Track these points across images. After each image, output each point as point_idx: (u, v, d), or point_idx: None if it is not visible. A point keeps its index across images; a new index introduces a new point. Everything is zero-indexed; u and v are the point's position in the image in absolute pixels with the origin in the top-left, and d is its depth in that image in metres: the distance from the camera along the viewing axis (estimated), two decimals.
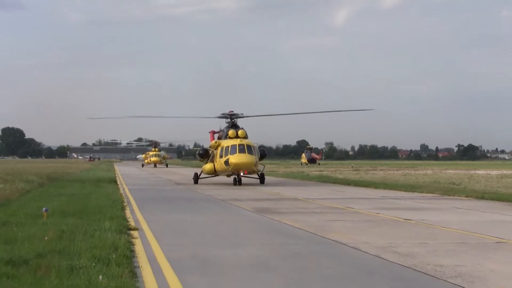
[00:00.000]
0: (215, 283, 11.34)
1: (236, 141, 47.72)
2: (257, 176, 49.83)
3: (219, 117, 54.34)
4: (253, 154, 47.35)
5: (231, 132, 49.16)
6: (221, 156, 47.81)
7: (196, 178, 51.84)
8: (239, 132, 49.28)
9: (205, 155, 52.96)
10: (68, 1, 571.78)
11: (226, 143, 48.42)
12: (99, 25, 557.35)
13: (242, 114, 53.63)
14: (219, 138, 52.51)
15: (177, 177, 67.43)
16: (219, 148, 48.87)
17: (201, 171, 52.11)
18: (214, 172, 50.32)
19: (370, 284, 11.41)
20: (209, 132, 56.75)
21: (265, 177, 50.23)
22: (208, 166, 50.73)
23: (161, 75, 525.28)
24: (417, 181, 50.03)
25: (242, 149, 46.85)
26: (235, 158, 46.31)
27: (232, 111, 53.08)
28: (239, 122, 52.87)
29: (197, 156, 58.56)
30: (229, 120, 52.74)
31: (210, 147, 52.70)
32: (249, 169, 47.93)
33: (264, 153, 53.38)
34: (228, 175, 49.73)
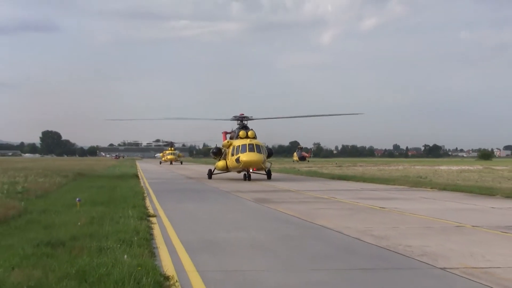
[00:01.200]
0: (220, 261, 11.36)
1: (246, 141, 45.58)
2: (264, 172, 47.54)
3: (231, 120, 51.78)
4: (261, 153, 45.12)
5: (241, 132, 47.06)
6: (232, 154, 45.63)
7: (210, 174, 49.52)
8: (249, 133, 47.02)
9: (218, 153, 50.49)
10: (96, 24, 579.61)
11: (237, 142, 46.26)
12: (124, 44, 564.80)
13: (251, 116, 51.07)
14: (231, 138, 50.12)
15: (190, 172, 67.38)
16: (231, 147, 46.62)
17: (215, 168, 49.76)
18: (226, 169, 47.98)
19: (351, 261, 11.42)
20: (222, 133, 54.78)
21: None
22: (221, 163, 48.58)
23: (176, 85, 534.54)
24: (390, 175, 50.03)
25: (251, 148, 44.65)
26: (245, 156, 44.19)
27: (243, 114, 50.91)
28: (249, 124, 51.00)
29: (211, 154, 55.31)
30: (240, 122, 50.32)
31: (222, 146, 49.95)
32: (258, 166, 45.56)
33: (271, 151, 51.23)
34: (239, 171, 47.46)
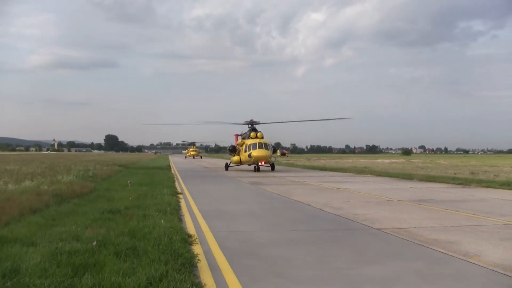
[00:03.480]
0: (226, 224, 11.40)
1: (256, 140, 40.24)
2: (269, 165, 42.22)
3: (243, 123, 45.64)
4: (268, 150, 39.87)
5: (252, 134, 41.53)
6: (245, 151, 40.50)
7: (227, 166, 44.65)
8: (258, 134, 41.55)
9: (233, 150, 44.29)
10: (144, 62, 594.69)
11: (249, 141, 40.86)
12: (162, 76, 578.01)
13: (259, 121, 45.07)
14: (243, 138, 44.00)
15: (206, 164, 67.25)
16: (244, 145, 41.29)
17: (230, 162, 44.53)
18: (240, 162, 42.31)
19: (316, 224, 11.48)
20: (234, 135, 48.96)
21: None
22: (235, 158, 42.90)
23: (198, 103, 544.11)
24: (343, 166, 50.14)
25: (260, 146, 39.52)
26: (256, 152, 39.20)
27: (252, 119, 44.94)
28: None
29: (227, 151, 47.89)
30: (250, 125, 44.69)
31: (237, 144, 44.33)
32: (265, 160, 40.10)
33: (275, 149, 44.51)
34: (249, 164, 41.92)
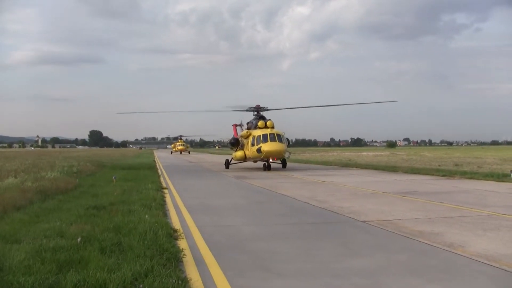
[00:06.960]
0: (211, 218, 11.37)
1: (267, 131, 32.30)
2: (279, 162, 34.67)
3: (247, 110, 36.98)
4: (282, 142, 32.11)
5: (260, 123, 33.38)
6: (253, 145, 32.43)
7: (228, 164, 36.24)
8: (268, 122, 33.35)
9: (236, 144, 36.15)
10: (129, 58, 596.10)
11: (257, 132, 32.76)
12: (147, 71, 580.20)
13: (267, 107, 36.40)
14: (248, 128, 35.74)
15: (191, 159, 66.99)
16: (250, 137, 33.15)
17: (232, 158, 36.10)
18: (244, 159, 34.42)
19: (302, 217, 11.50)
20: (232, 125, 41.56)
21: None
22: (238, 153, 34.71)
23: (184, 97, 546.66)
24: (328, 159, 50.30)
25: (272, 138, 31.65)
26: (267, 146, 31.36)
27: (259, 105, 36.31)
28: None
29: (228, 144, 40.06)
30: (256, 113, 36.18)
31: (241, 136, 35.75)
32: (279, 156, 32.85)
33: (289, 141, 35.81)
34: (255, 161, 34.77)
